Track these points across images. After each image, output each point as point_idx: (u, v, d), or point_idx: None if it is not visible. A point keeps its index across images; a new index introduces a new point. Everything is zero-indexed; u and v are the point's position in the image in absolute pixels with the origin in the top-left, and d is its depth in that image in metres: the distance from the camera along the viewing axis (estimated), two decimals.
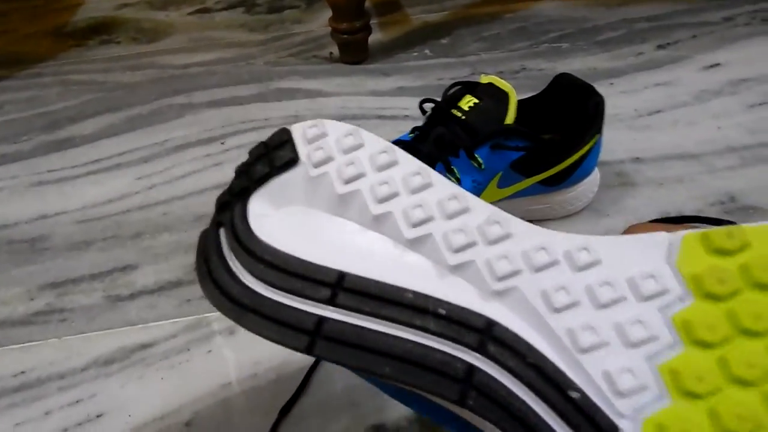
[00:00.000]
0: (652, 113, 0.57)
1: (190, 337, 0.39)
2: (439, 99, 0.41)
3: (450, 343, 0.15)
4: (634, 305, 0.15)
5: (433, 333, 0.15)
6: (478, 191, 0.40)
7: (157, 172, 0.56)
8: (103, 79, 0.74)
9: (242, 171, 0.19)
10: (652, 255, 0.15)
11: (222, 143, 0.59)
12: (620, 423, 0.14)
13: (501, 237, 0.17)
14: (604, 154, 0.51)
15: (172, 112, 0.65)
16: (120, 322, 0.41)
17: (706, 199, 0.46)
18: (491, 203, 0.42)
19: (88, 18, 0.92)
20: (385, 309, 0.15)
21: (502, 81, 0.39)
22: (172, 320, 0.41)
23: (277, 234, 0.16)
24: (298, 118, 0.62)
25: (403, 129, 0.60)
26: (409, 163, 0.18)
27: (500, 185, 0.41)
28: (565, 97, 0.43)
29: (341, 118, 0.61)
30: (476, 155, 0.38)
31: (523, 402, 0.14)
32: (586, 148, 0.42)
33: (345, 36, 0.70)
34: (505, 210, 0.45)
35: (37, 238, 0.49)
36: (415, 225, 0.16)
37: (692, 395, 0.13)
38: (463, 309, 0.15)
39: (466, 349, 0.15)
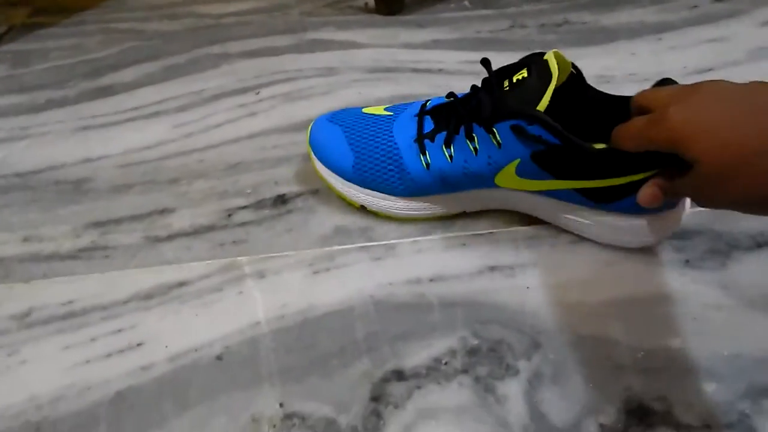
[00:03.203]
0: (702, 71, 0.54)
1: (222, 278, 0.41)
2: (493, 62, 0.39)
3: None
4: None
5: None
6: (492, 170, 0.38)
7: (194, 121, 0.57)
8: (141, 27, 0.75)
9: None
10: None
11: (257, 93, 0.59)
12: None
13: None
14: None
15: (208, 61, 0.66)
16: (158, 261, 0.43)
17: None
18: (513, 190, 0.40)
19: None
20: None
21: (557, 60, 0.35)
22: (206, 261, 0.43)
23: None
24: (331, 71, 0.62)
25: (438, 83, 0.59)
26: None
27: (519, 173, 0.38)
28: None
29: (374, 71, 0.61)
30: (494, 129, 0.36)
31: None
32: (644, 175, 0.35)
33: None
34: (541, 207, 0.42)
35: (81, 179, 0.51)
36: None
37: None
38: None
39: None
